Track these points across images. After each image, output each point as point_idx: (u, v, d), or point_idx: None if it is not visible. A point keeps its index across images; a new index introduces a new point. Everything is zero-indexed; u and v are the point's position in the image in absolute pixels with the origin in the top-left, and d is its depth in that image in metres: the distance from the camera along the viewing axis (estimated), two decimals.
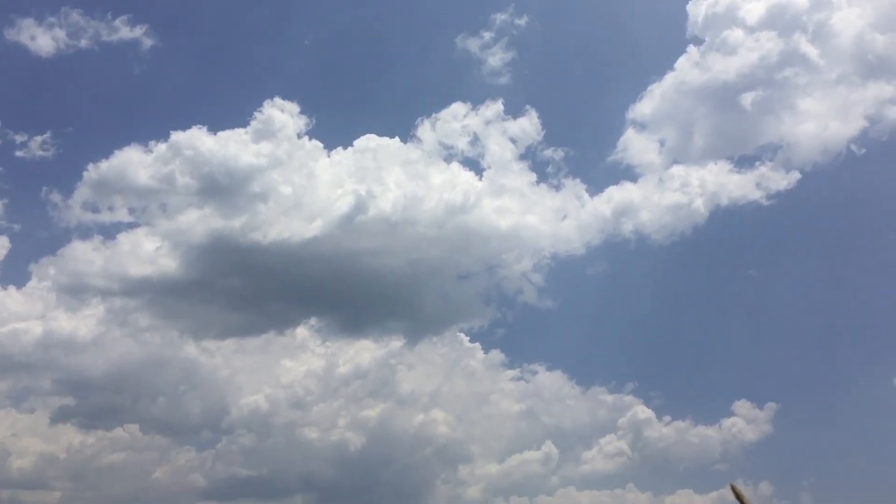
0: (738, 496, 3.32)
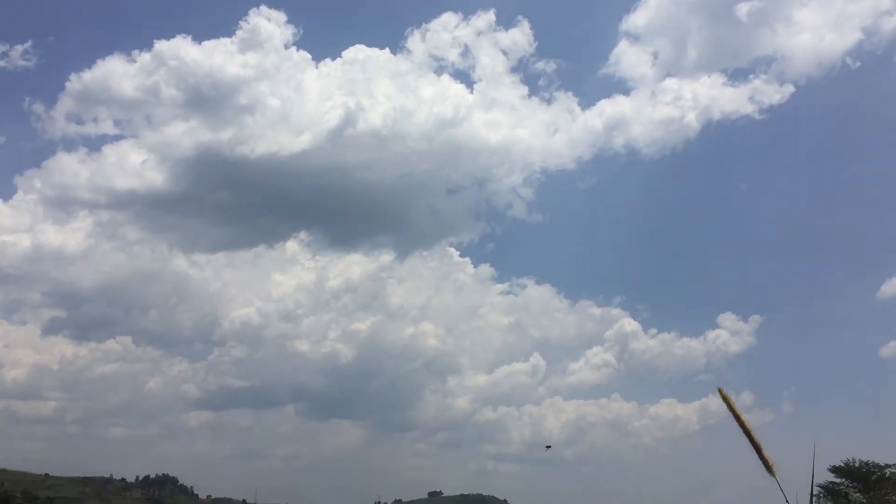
0: (726, 399, 3.07)
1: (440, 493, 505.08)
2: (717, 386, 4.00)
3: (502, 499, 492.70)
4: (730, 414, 3.39)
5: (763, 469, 3.22)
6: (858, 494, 60.10)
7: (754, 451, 3.22)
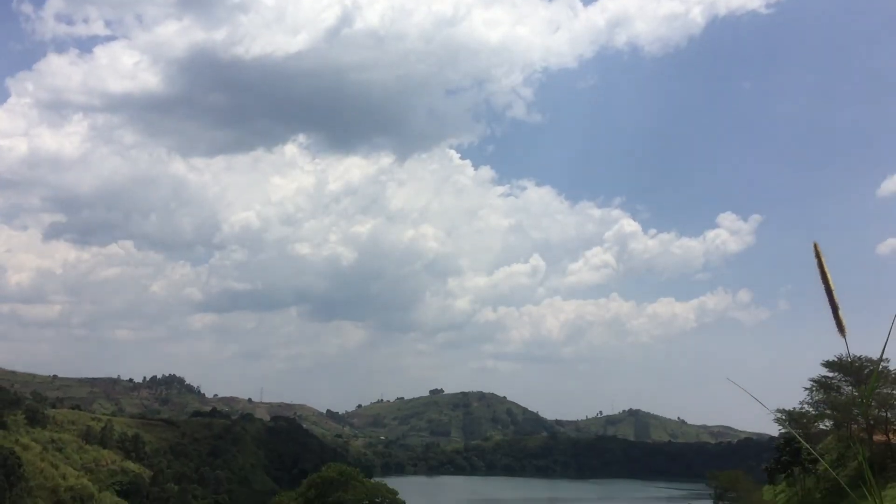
0: (818, 255, 2.82)
1: (441, 390, 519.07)
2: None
3: (502, 396, 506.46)
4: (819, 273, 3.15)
5: (836, 329, 3.08)
6: (850, 388, 61.19)
7: (830, 310, 3.05)
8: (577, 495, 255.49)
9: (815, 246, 3.19)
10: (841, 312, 3.17)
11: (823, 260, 3.18)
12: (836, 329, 3.21)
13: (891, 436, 56.79)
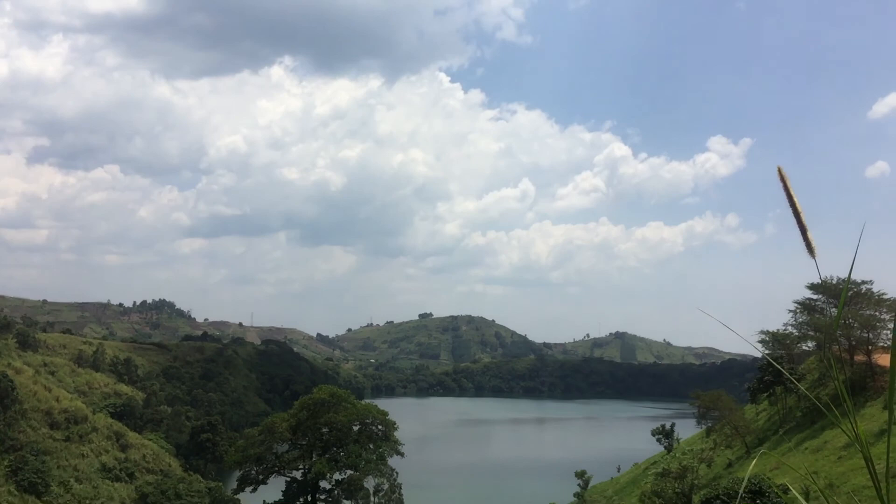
0: (783, 178, 2.81)
1: (430, 314, 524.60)
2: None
3: (490, 319, 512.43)
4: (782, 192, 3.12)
5: (805, 250, 3.04)
6: (834, 310, 61.99)
7: (800, 232, 3.01)
8: (564, 415, 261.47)
9: (780, 170, 3.19)
10: (810, 234, 3.16)
11: (789, 184, 3.19)
12: (806, 251, 3.22)
13: (871, 356, 57.87)
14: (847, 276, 3.68)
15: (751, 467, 7.46)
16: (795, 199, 3.23)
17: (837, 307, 61.41)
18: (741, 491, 32.25)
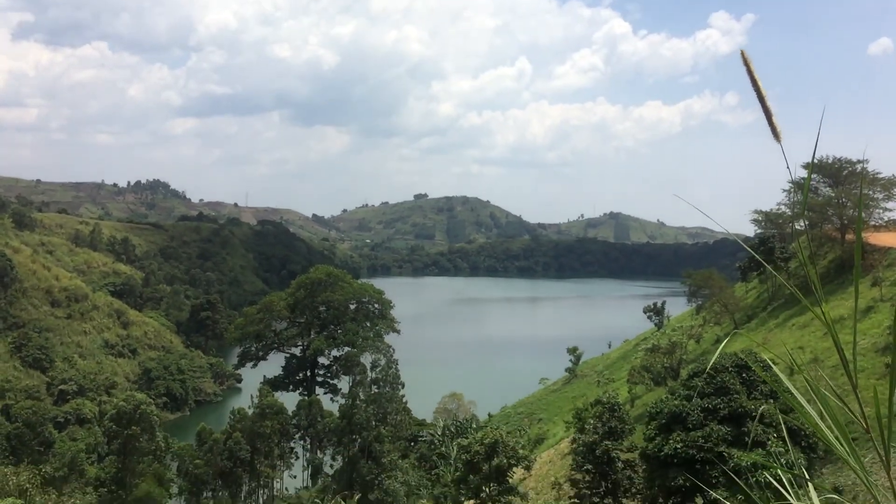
0: (746, 63, 2.74)
1: (425, 195, 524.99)
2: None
3: (485, 200, 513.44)
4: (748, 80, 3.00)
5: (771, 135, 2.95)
6: (828, 189, 62.02)
7: (765, 117, 2.91)
8: (558, 294, 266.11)
9: (743, 53, 3.06)
10: (775, 119, 3.08)
11: (752, 67, 3.07)
12: (772, 135, 3.14)
13: (864, 235, 58.35)
14: (811, 157, 3.54)
15: (724, 344, 7.54)
16: (759, 83, 3.14)
17: (832, 186, 61.37)
18: (711, 363, 33.18)
